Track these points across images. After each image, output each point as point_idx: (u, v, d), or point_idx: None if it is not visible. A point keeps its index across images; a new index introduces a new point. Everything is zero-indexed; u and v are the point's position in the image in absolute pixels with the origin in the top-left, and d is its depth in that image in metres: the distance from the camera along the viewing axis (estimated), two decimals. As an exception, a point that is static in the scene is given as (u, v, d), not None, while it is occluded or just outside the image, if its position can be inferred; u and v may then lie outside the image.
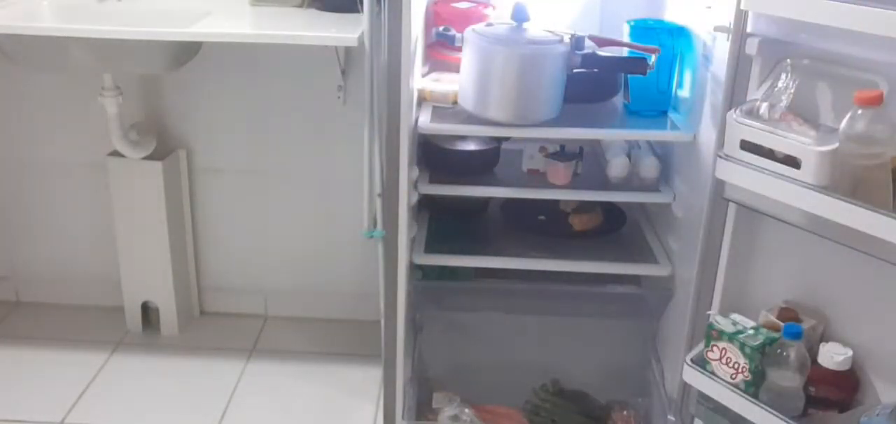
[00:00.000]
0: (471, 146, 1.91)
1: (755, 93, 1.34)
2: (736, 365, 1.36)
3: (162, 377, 2.22)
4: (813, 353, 1.31)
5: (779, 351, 1.30)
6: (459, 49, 1.67)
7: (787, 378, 1.30)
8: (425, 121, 1.70)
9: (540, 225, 1.92)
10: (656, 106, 1.77)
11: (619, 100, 1.85)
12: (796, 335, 1.29)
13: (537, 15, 1.67)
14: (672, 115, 1.77)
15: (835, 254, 1.26)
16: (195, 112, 2.29)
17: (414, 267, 1.84)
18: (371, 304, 2.18)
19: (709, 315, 1.45)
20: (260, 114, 2.27)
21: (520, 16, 1.63)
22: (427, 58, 1.92)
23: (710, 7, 1.56)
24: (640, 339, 1.97)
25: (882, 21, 1.08)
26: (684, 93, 1.76)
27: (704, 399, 1.45)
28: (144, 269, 2.34)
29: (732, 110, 1.32)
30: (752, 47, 1.36)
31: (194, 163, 2.34)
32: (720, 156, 1.33)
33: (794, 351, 1.29)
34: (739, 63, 1.41)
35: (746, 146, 1.28)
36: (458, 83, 1.71)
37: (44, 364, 2.24)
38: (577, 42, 1.63)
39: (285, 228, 2.40)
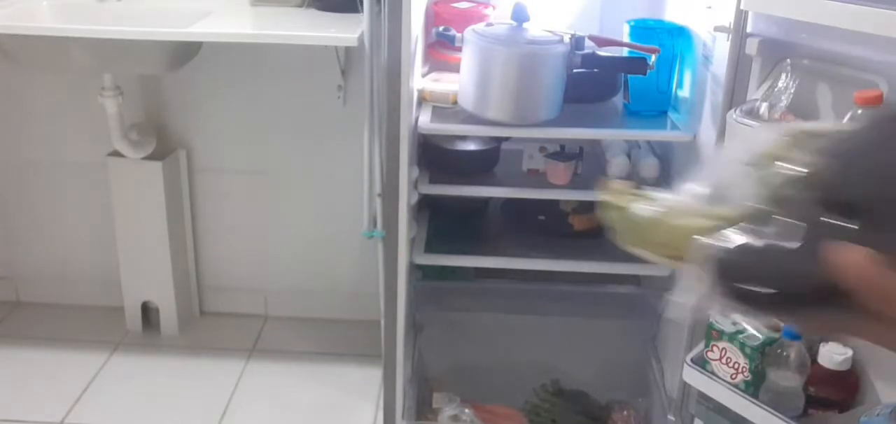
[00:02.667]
0: (471, 146, 1.91)
1: (755, 93, 1.35)
2: (736, 365, 1.36)
3: (162, 377, 2.22)
4: (813, 353, 1.31)
5: (779, 350, 1.30)
6: (459, 49, 1.67)
7: (787, 378, 1.30)
8: (425, 121, 1.70)
9: (540, 225, 1.92)
10: (656, 106, 1.78)
11: (619, 100, 1.85)
12: (796, 335, 1.29)
13: (537, 15, 1.67)
14: (672, 115, 1.77)
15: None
16: (195, 112, 2.29)
17: (414, 267, 1.84)
18: (371, 304, 2.18)
19: (709, 315, 1.45)
20: (260, 114, 2.27)
21: (520, 16, 1.63)
22: (427, 58, 1.92)
23: (710, 7, 1.56)
24: (640, 339, 1.97)
25: (882, 21, 1.08)
26: (684, 93, 1.76)
27: (704, 399, 1.45)
28: (144, 269, 2.34)
29: (732, 110, 1.32)
30: (752, 47, 1.36)
31: (194, 163, 2.34)
32: (720, 156, 1.33)
33: (794, 351, 1.29)
34: (739, 63, 1.41)
35: (746, 146, 1.28)
36: (458, 83, 1.71)
37: (44, 364, 2.24)
38: (577, 42, 1.63)
39: (285, 228, 2.40)
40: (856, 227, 0.45)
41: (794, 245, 0.47)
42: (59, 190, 2.40)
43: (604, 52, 1.67)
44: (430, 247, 1.86)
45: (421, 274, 1.88)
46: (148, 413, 2.06)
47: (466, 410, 1.86)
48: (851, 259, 0.44)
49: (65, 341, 2.34)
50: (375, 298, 1.98)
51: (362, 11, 1.80)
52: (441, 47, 1.86)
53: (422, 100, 1.78)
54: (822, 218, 0.46)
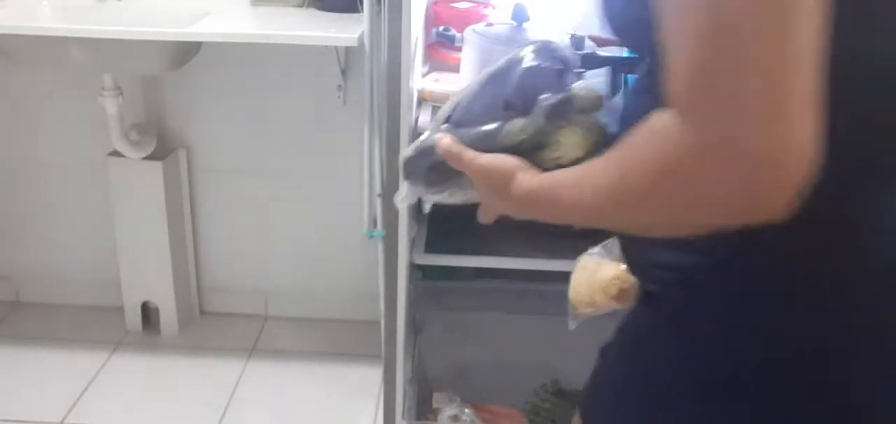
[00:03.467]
0: (471, 146, 1.91)
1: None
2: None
3: (162, 377, 2.22)
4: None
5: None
6: (459, 49, 1.67)
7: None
8: (425, 121, 1.70)
9: (540, 225, 1.91)
10: (656, 106, 1.77)
11: (619, 100, 1.85)
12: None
13: (537, 15, 1.67)
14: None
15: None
16: (195, 112, 2.29)
17: (414, 267, 1.84)
18: (371, 304, 2.18)
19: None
20: (260, 114, 2.27)
21: (520, 16, 1.63)
22: (427, 58, 1.91)
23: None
24: (640, 339, 1.97)
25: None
26: (684, 93, 1.76)
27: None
28: (144, 269, 2.34)
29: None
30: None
31: (194, 163, 2.34)
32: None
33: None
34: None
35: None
36: (458, 83, 1.71)
37: (44, 364, 2.24)
38: (576, 42, 1.63)
39: (285, 228, 2.40)
40: (445, 127, 0.86)
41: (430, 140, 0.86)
42: (59, 190, 2.40)
43: (604, 52, 1.67)
44: (430, 247, 1.85)
45: (421, 274, 1.88)
46: (148, 413, 2.06)
47: (466, 410, 1.86)
48: (440, 140, 0.84)
49: (65, 341, 2.34)
50: (375, 298, 1.98)
51: (362, 11, 1.80)
52: (441, 47, 1.86)
53: (422, 100, 1.78)
54: (438, 126, 0.87)
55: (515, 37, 1.62)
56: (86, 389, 2.13)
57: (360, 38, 1.79)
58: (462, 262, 1.84)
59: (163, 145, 2.27)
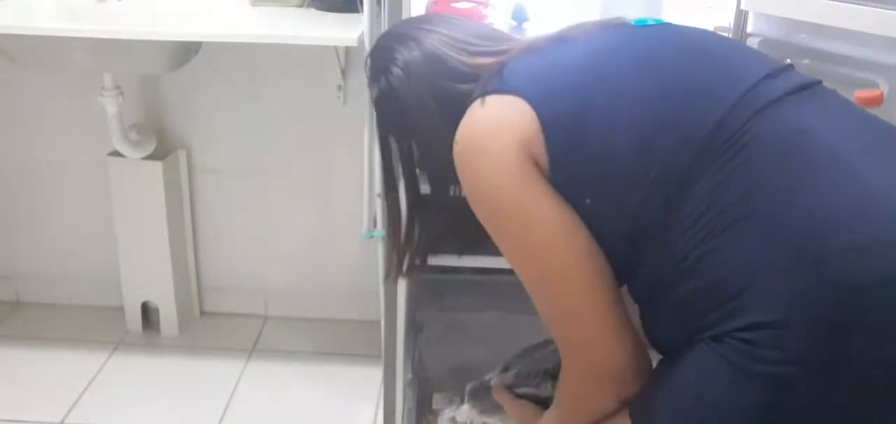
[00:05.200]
0: (471, 146, 1.90)
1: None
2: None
3: (162, 377, 2.22)
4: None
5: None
6: (459, 49, 1.66)
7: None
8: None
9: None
10: (656, 106, 1.77)
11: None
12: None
13: (537, 15, 1.67)
14: (672, 115, 1.76)
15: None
16: (195, 112, 2.29)
17: (414, 267, 1.83)
18: (371, 304, 2.18)
19: None
20: (260, 114, 2.27)
21: (520, 16, 1.63)
22: (427, 58, 1.91)
23: (710, 7, 1.56)
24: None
25: (882, 21, 1.08)
26: (684, 93, 1.75)
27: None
28: (144, 269, 2.34)
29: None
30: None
31: (194, 163, 2.34)
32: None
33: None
34: (739, 63, 1.40)
35: (746, 146, 1.28)
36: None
37: (44, 364, 2.24)
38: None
39: (285, 228, 2.40)
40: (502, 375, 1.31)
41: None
42: (59, 190, 2.40)
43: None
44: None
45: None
46: (148, 413, 2.06)
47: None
48: (495, 383, 1.31)
49: (65, 341, 2.34)
50: (375, 298, 1.98)
51: (362, 11, 1.80)
52: (441, 47, 1.85)
53: (422, 100, 1.78)
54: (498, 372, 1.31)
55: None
56: (86, 389, 2.13)
57: (360, 38, 1.79)
58: (462, 262, 1.84)
59: (163, 145, 2.27)
